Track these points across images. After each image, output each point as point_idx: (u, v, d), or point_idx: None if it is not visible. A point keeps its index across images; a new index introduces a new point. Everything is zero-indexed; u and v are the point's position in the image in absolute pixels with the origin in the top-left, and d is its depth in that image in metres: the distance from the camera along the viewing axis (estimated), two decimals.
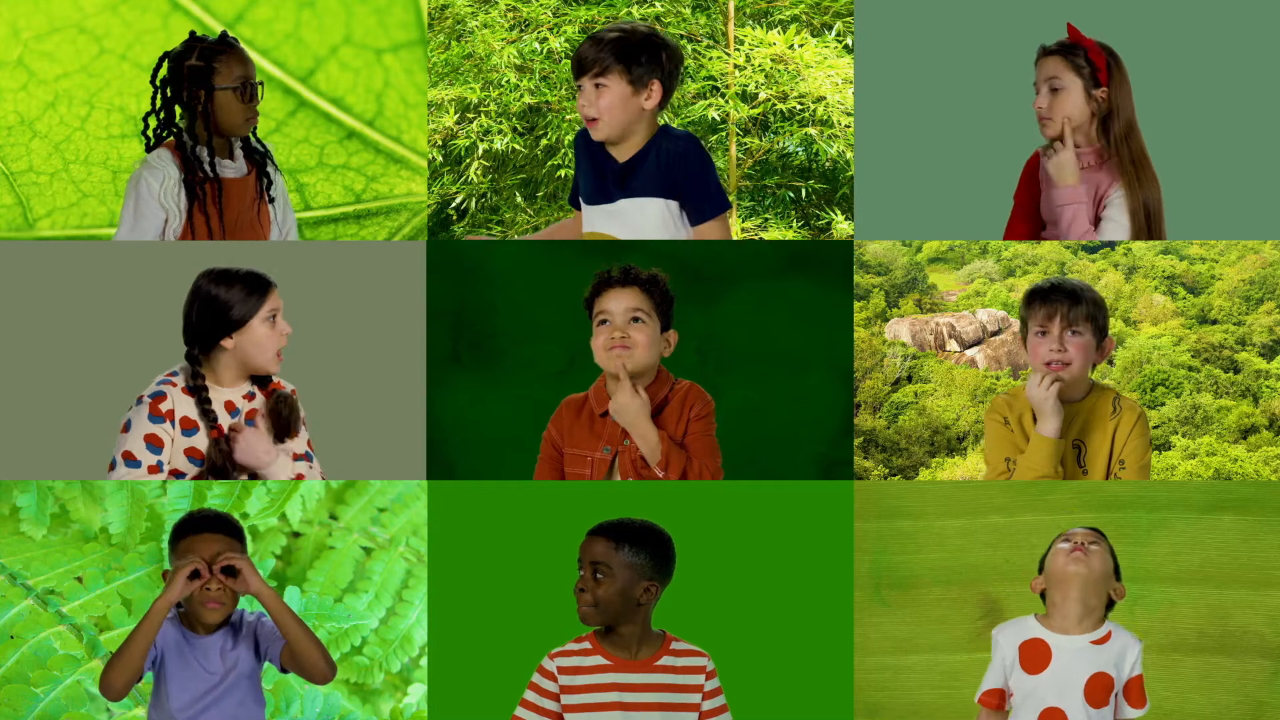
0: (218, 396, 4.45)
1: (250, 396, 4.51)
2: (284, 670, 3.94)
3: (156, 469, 4.39)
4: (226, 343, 4.43)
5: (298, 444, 4.57)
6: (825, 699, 4.79)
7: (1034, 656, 3.89)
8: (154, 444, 4.39)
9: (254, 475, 4.50)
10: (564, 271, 5.40)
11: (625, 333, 4.22)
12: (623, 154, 4.60)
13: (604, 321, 4.24)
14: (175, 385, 4.44)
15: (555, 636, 3.91)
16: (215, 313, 4.41)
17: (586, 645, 3.87)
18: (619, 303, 4.23)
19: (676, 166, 4.58)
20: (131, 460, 4.37)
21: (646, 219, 4.61)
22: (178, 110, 4.67)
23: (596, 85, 4.52)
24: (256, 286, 4.43)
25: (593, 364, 4.27)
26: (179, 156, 4.65)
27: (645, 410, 4.21)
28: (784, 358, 5.59)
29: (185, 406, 4.43)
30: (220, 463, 4.42)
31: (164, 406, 4.40)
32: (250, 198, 4.76)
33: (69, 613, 4.46)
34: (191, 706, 3.84)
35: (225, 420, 4.45)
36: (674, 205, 4.60)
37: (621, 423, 4.23)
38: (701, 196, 4.60)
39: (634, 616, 3.85)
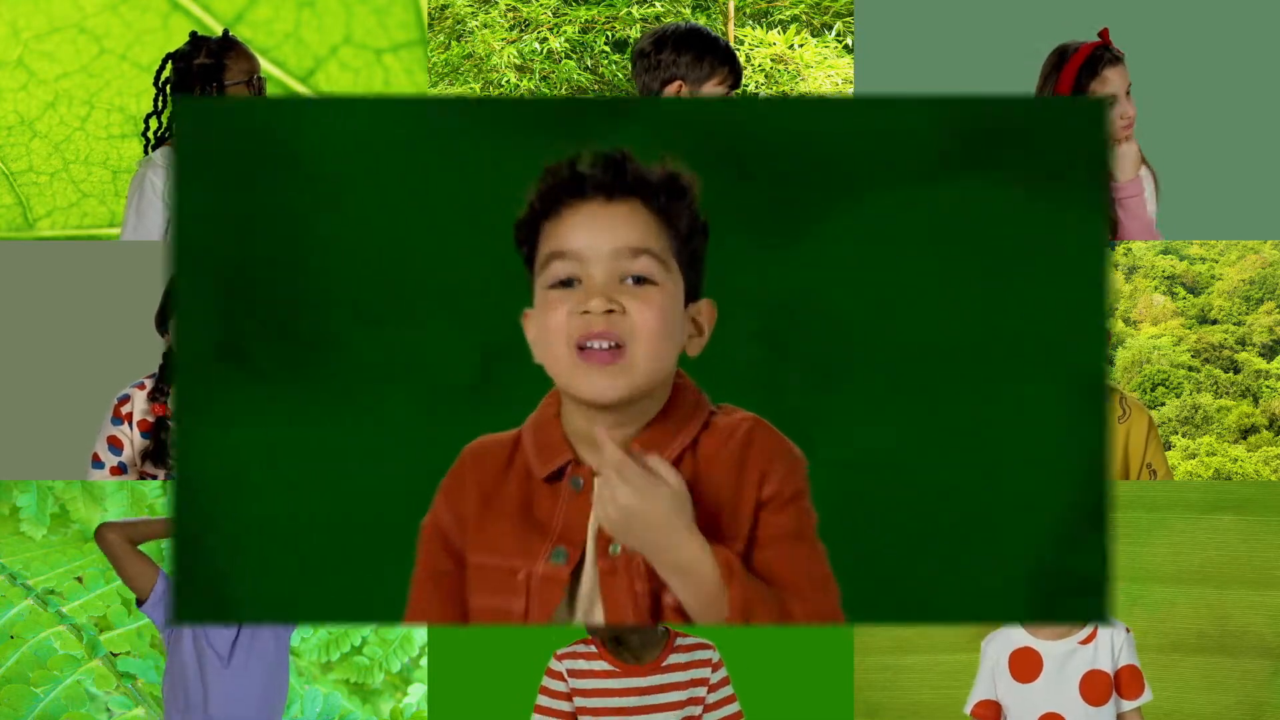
0: None
1: None
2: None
3: (119, 470, 4.40)
4: (167, 339, 4.43)
5: None
6: (825, 699, 4.79)
7: (1024, 665, 3.85)
8: (115, 445, 4.41)
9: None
10: None
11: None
12: None
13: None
14: (144, 388, 4.45)
15: (554, 636, 3.90)
16: (161, 308, 4.42)
17: (592, 649, 3.84)
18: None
19: None
20: (97, 462, 4.42)
21: None
22: None
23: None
24: None
25: None
26: None
27: (684, 506, 2.09)
28: None
29: (143, 408, 4.44)
30: (156, 448, 4.40)
31: (125, 409, 4.42)
32: None
33: (69, 613, 4.46)
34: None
35: None
36: None
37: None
38: None
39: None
